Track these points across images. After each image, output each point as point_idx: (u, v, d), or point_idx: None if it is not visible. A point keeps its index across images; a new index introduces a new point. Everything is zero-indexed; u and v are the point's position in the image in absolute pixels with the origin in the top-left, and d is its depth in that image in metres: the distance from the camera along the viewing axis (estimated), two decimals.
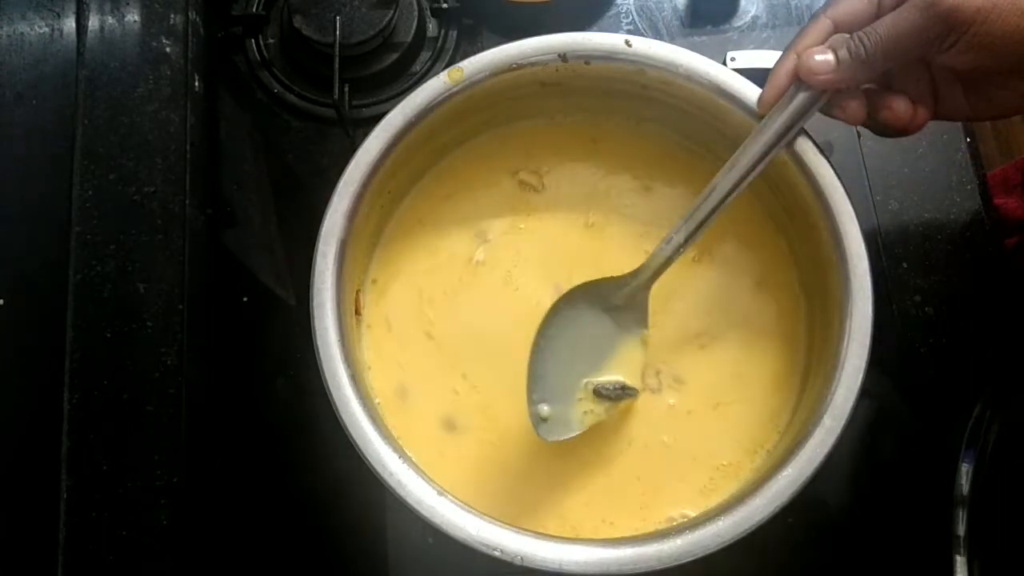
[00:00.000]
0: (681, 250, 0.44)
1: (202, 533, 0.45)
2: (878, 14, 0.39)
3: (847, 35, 0.39)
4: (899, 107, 0.40)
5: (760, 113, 0.43)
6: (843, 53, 0.39)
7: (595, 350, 0.46)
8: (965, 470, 0.45)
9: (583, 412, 0.45)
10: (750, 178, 0.42)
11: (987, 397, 0.46)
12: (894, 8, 0.38)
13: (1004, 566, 0.43)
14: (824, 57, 0.39)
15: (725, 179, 0.42)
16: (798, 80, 0.40)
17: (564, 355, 0.45)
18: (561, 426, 0.44)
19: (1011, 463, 0.44)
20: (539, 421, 0.44)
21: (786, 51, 0.41)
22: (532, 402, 0.43)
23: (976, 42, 0.37)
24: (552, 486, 0.46)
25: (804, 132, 0.43)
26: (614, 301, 0.45)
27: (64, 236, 0.45)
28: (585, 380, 0.45)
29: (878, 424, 0.50)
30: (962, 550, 0.43)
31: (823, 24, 0.41)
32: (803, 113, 0.41)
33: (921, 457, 0.49)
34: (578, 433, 0.44)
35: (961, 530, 0.44)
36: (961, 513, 0.44)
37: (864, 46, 0.38)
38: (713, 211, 0.43)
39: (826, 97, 0.41)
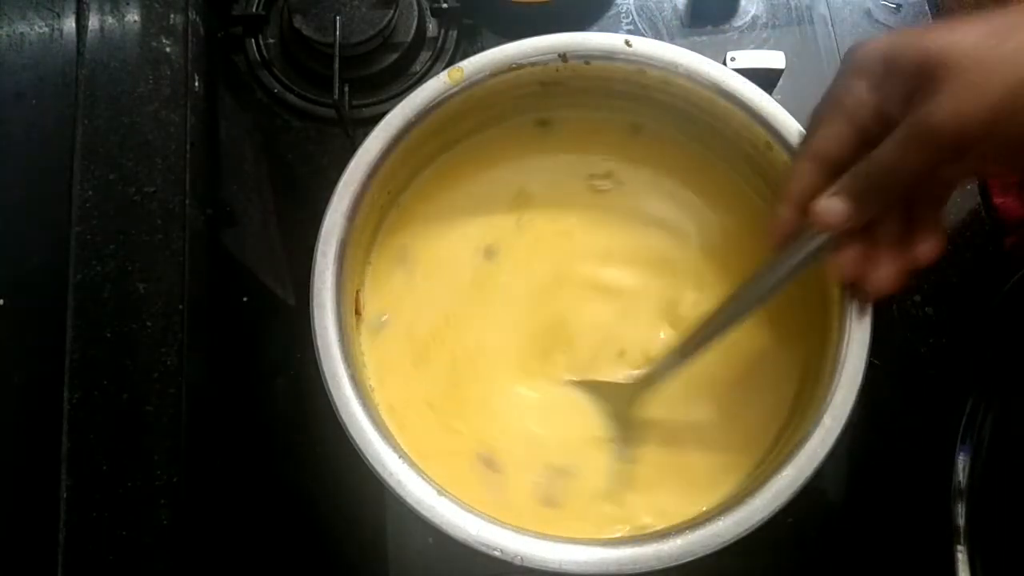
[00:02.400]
0: (667, 373, 0.44)
1: (202, 533, 0.45)
2: (863, 140, 0.36)
3: (851, 176, 0.36)
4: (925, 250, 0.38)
5: (773, 249, 0.41)
6: (854, 195, 0.36)
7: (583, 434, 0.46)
8: (961, 462, 0.45)
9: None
10: (742, 320, 0.42)
11: (980, 390, 0.46)
12: (873, 131, 0.35)
13: (1005, 556, 0.43)
14: (835, 204, 0.36)
15: (720, 317, 0.42)
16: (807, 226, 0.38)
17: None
18: None
19: (1007, 454, 0.44)
20: None
21: (780, 197, 0.39)
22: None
23: (990, 152, 0.33)
24: (549, 483, 0.46)
25: (803, 130, 0.43)
26: (608, 402, 0.47)
27: (64, 236, 0.45)
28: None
29: (878, 424, 0.50)
30: (962, 542, 0.43)
31: (805, 164, 0.38)
32: (813, 257, 0.39)
33: (922, 456, 0.49)
34: None
35: (961, 522, 0.44)
36: (960, 505, 0.44)
37: (873, 183, 0.35)
38: (700, 345, 0.43)
39: (834, 241, 0.38)
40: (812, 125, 0.38)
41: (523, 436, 0.46)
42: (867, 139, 0.36)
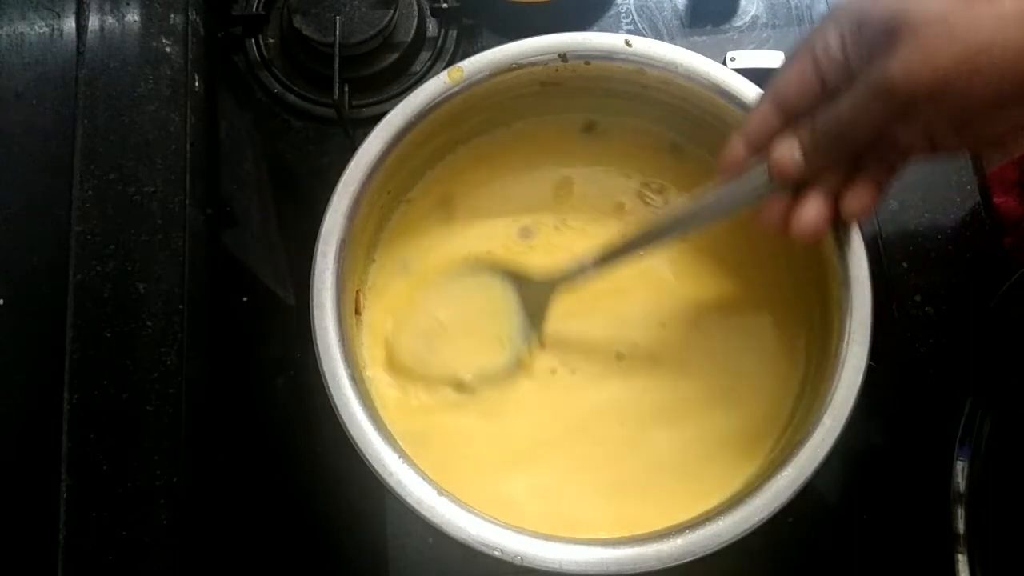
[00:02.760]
0: (588, 274, 0.45)
1: (202, 533, 0.45)
2: (823, 93, 0.37)
3: (809, 126, 0.37)
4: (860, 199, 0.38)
5: (717, 180, 0.41)
6: (809, 146, 0.37)
7: (487, 329, 0.48)
8: (960, 467, 0.45)
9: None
10: (673, 237, 0.42)
11: (977, 393, 0.46)
12: (837, 84, 0.36)
13: (1005, 562, 0.43)
14: (791, 153, 0.37)
15: (652, 228, 0.42)
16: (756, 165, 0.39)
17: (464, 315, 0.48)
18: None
19: (1006, 458, 0.44)
20: None
21: (737, 133, 0.40)
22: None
23: (940, 118, 0.34)
24: (552, 485, 0.46)
25: None
26: (524, 294, 0.47)
27: (64, 236, 0.45)
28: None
29: (878, 424, 0.50)
30: (962, 548, 0.43)
31: (768, 106, 0.39)
32: (755, 197, 0.40)
33: (922, 456, 0.49)
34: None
35: (960, 528, 0.44)
36: (959, 510, 0.44)
37: (827, 137, 0.36)
38: (627, 251, 0.43)
39: (777, 185, 0.39)
40: (782, 69, 0.39)
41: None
42: (830, 92, 0.36)
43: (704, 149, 0.51)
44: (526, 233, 0.51)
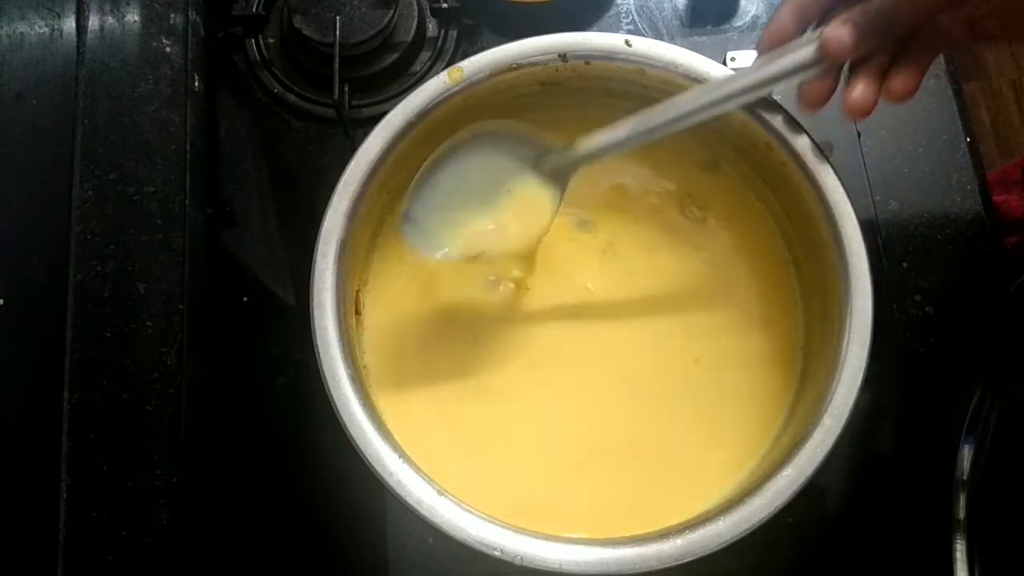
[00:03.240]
0: (618, 148, 0.43)
1: (202, 533, 0.45)
2: None
3: (861, 8, 0.38)
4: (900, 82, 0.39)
5: (759, 53, 0.42)
6: (860, 29, 0.38)
7: (499, 198, 0.45)
8: (966, 453, 0.45)
9: (454, 248, 0.44)
10: (715, 111, 0.41)
11: (987, 382, 0.46)
12: None
13: (1003, 549, 0.43)
14: (842, 34, 0.38)
15: (692, 99, 0.41)
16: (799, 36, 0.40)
17: (466, 185, 0.44)
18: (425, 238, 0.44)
19: (1011, 446, 0.44)
20: (408, 221, 0.43)
21: (785, 3, 0.40)
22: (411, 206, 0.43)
23: (985, 4, 0.35)
24: (552, 485, 0.46)
25: (802, 130, 0.43)
26: (541, 164, 0.45)
27: (64, 236, 0.45)
28: (474, 225, 0.45)
29: (878, 424, 0.50)
30: (962, 533, 0.43)
31: None
32: (798, 72, 0.40)
33: (921, 457, 0.49)
34: (438, 256, 0.44)
35: (961, 514, 0.44)
36: (961, 497, 0.44)
37: (879, 19, 0.37)
38: (665, 125, 0.42)
39: (819, 65, 0.39)
40: None
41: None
42: None
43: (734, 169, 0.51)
44: (584, 225, 0.50)
